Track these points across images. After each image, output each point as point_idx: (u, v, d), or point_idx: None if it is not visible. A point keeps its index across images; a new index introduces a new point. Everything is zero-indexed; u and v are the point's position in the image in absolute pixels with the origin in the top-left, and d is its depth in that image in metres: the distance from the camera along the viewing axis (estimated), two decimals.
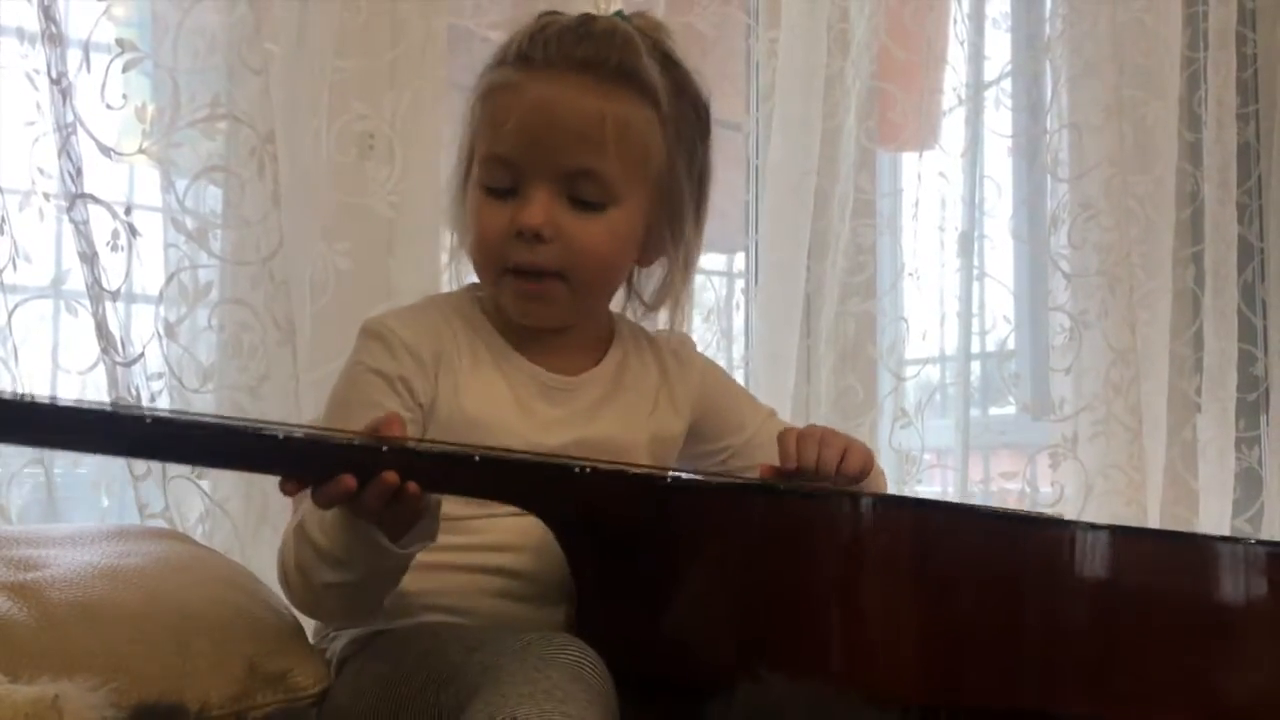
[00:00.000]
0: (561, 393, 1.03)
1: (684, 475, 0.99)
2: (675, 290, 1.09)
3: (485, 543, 0.97)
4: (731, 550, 0.89)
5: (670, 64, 1.03)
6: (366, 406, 0.95)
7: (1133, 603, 0.92)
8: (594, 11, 1.06)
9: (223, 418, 0.90)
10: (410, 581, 0.95)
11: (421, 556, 0.93)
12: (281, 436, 0.84)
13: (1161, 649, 0.92)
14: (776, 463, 1.00)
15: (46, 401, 0.87)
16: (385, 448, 0.84)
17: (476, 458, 0.87)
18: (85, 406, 0.85)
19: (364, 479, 0.83)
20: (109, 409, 0.87)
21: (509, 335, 1.04)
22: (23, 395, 0.84)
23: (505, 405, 1.01)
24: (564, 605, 0.96)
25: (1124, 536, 0.96)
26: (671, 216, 1.05)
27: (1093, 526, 0.93)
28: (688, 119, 1.04)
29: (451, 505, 0.94)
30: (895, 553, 0.88)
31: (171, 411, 0.92)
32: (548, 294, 1.00)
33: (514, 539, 0.97)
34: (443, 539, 0.93)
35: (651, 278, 1.10)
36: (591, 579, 0.91)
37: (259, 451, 0.85)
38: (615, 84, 0.98)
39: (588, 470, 0.90)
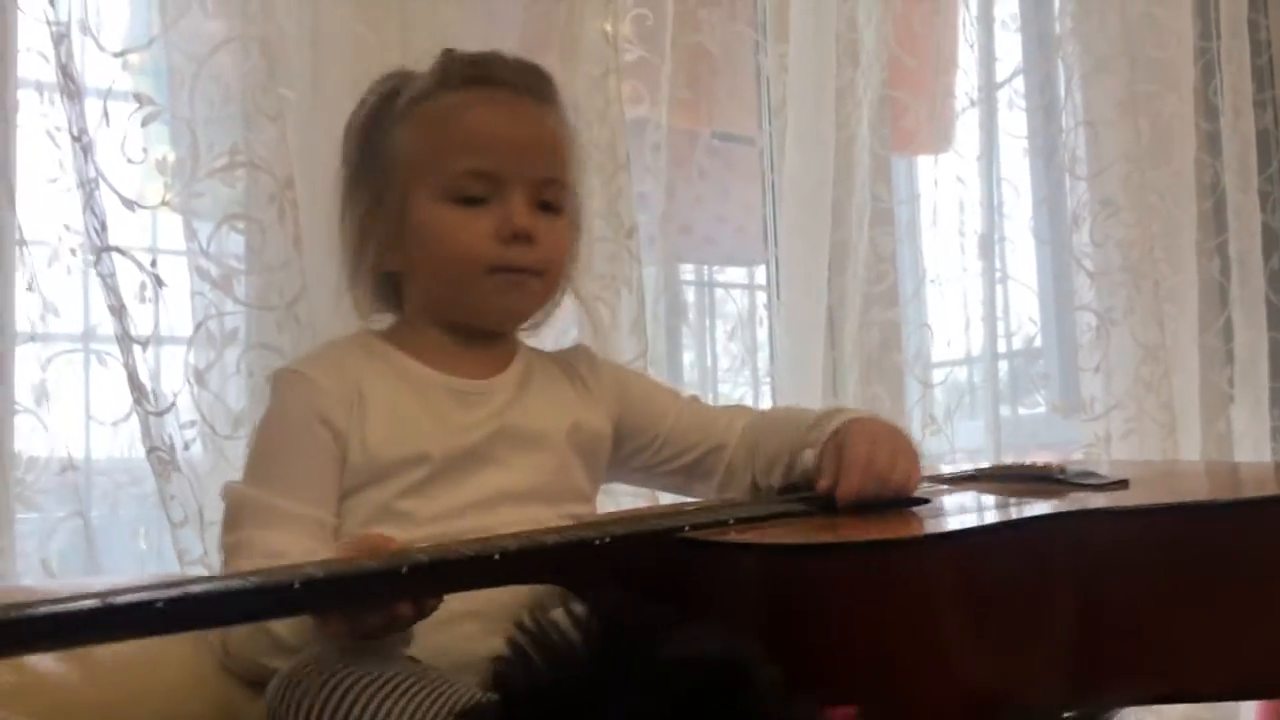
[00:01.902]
0: (475, 396, 1.06)
1: (702, 524, 0.95)
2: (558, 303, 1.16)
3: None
4: (751, 603, 0.87)
5: None
6: (293, 453, 0.99)
7: (1157, 574, 0.93)
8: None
9: (229, 578, 0.78)
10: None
11: None
12: (298, 584, 0.76)
13: (1192, 614, 0.93)
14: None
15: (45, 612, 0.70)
16: (405, 568, 0.80)
17: (496, 555, 0.83)
18: (80, 607, 0.70)
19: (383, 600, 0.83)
20: (114, 603, 0.71)
21: (416, 354, 1.07)
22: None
23: (416, 416, 1.03)
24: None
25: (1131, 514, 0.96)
26: (579, 226, 1.15)
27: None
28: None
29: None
30: (923, 589, 0.86)
31: (174, 584, 0.75)
32: (528, 286, 1.07)
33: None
34: None
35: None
36: None
37: (281, 601, 0.78)
38: (553, 106, 1.11)
39: (606, 540, 0.89)
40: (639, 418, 1.15)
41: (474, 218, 1.05)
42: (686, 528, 0.92)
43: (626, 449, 1.15)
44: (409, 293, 1.11)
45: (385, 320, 1.13)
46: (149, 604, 0.71)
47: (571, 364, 1.16)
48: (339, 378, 1.04)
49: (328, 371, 1.04)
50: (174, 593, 0.72)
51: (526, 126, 1.07)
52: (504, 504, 1.01)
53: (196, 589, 0.74)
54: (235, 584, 0.75)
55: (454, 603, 0.88)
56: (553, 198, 1.08)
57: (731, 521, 0.95)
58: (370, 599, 0.82)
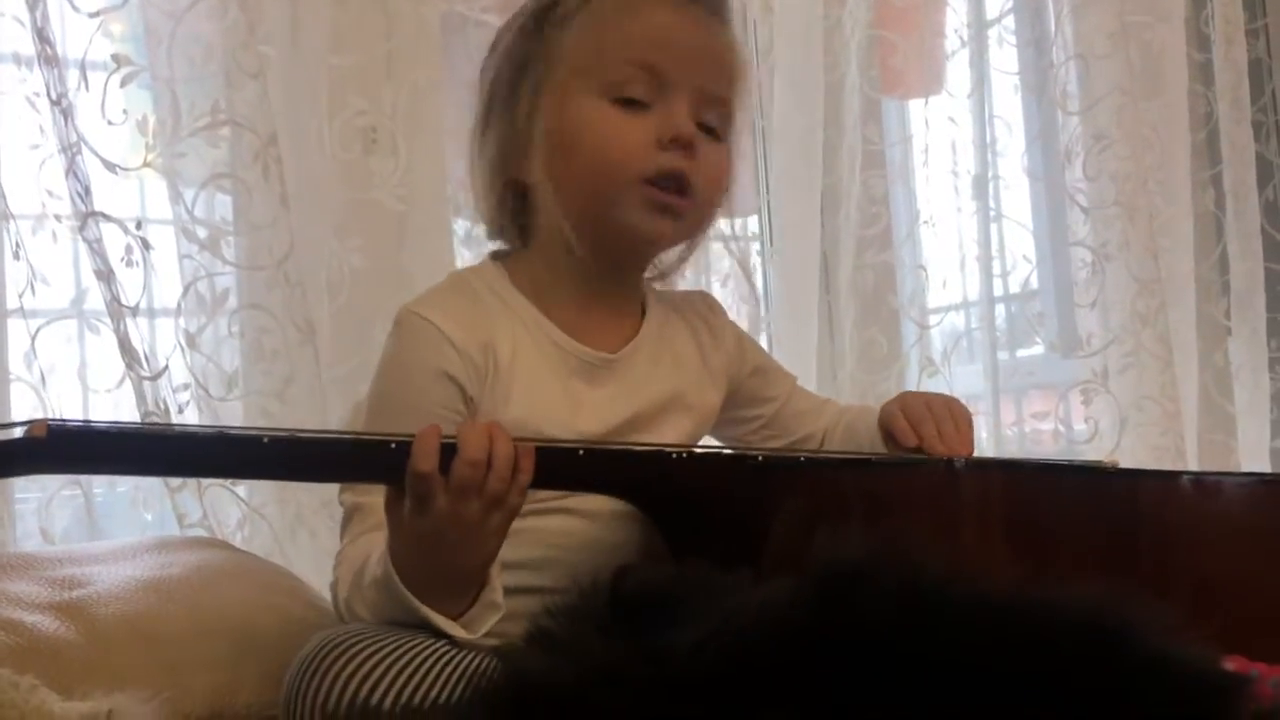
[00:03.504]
0: (603, 371, 1.02)
1: (774, 453, 1.02)
2: (688, 259, 1.11)
3: (521, 559, 0.95)
4: (829, 522, 0.90)
5: None
6: (417, 410, 0.93)
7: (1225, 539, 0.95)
8: None
9: (334, 433, 0.91)
10: None
11: None
12: (394, 445, 0.84)
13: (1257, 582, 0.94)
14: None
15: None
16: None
17: (580, 451, 0.89)
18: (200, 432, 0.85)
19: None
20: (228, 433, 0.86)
21: (546, 308, 1.02)
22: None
23: (548, 393, 0.99)
24: None
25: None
26: (734, 167, 1.07)
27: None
28: None
29: None
30: (990, 510, 0.90)
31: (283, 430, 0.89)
32: (679, 209, 0.99)
33: (548, 550, 0.96)
34: None
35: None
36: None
37: (375, 460, 0.85)
38: (729, 26, 1.04)
39: (683, 455, 0.92)
40: (749, 393, 1.13)
41: (634, 120, 0.97)
42: (760, 456, 0.96)
43: (727, 416, 1.12)
44: (545, 211, 1.02)
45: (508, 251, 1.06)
46: (257, 439, 0.83)
47: (698, 320, 1.11)
48: (470, 331, 0.97)
49: (459, 322, 0.97)
50: (281, 433, 0.85)
51: (703, 34, 1.00)
52: None
53: (305, 435, 0.87)
54: (338, 437, 0.87)
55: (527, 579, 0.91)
56: (716, 121, 1.00)
57: (803, 459, 1.00)
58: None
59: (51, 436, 0.76)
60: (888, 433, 1.06)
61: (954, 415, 1.03)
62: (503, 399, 0.96)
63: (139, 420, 1.24)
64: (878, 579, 0.71)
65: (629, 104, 0.98)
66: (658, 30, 0.99)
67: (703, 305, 1.13)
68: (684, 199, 0.98)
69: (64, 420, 0.79)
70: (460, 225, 1.48)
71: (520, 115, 1.00)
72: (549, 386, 0.99)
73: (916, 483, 0.96)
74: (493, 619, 0.88)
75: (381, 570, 0.87)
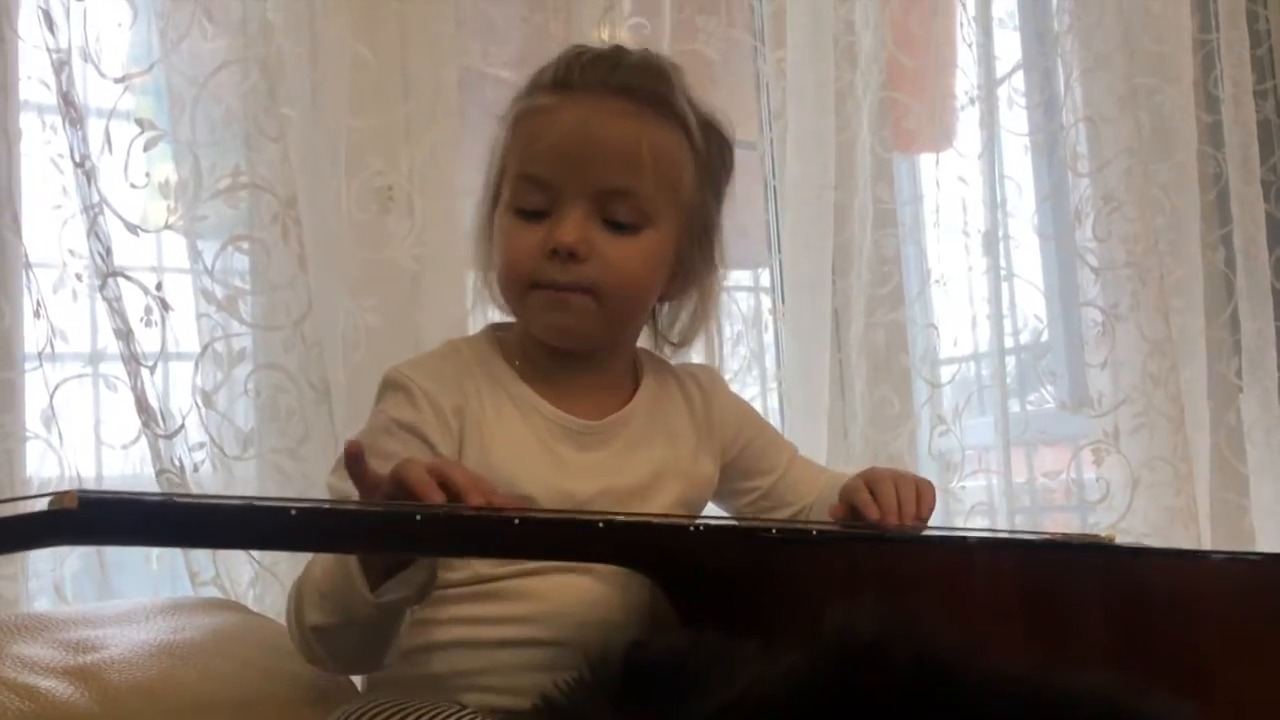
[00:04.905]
0: (589, 438, 1.03)
1: (789, 526, 1.00)
2: (705, 323, 1.11)
3: (523, 614, 0.96)
4: (841, 597, 0.90)
5: (695, 101, 1.05)
6: (387, 458, 0.93)
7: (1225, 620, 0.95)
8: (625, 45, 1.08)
9: (357, 505, 0.87)
10: (452, 660, 0.95)
11: (460, 632, 0.93)
12: (418, 517, 0.82)
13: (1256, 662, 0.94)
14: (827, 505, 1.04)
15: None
16: (517, 520, 0.83)
17: (600, 524, 0.87)
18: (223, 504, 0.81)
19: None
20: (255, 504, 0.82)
21: (532, 381, 1.04)
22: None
23: (532, 454, 1.00)
24: None
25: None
26: (703, 246, 1.06)
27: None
28: (715, 153, 1.06)
29: (482, 565, 0.95)
30: (1004, 591, 0.90)
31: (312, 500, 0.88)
32: (575, 305, 0.99)
33: (552, 606, 0.96)
34: (479, 610, 0.93)
35: (678, 315, 1.11)
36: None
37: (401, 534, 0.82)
38: (651, 109, 1.00)
39: (700, 527, 0.91)
40: (747, 465, 1.13)
41: (531, 231, 0.99)
42: (774, 529, 0.94)
43: (726, 488, 1.13)
44: None
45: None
46: (285, 510, 0.78)
47: (696, 391, 1.11)
48: (445, 393, 0.99)
49: (436, 383, 1.00)
50: (308, 504, 0.80)
51: (593, 131, 0.98)
52: None
53: (329, 507, 0.84)
54: (363, 508, 0.82)
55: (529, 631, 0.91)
56: (626, 215, 0.99)
57: (815, 533, 0.98)
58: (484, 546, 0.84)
59: (83, 508, 0.71)
60: (848, 504, 1.03)
61: (918, 489, 1.01)
62: (487, 450, 0.98)
63: (154, 477, 1.25)
64: (892, 654, 0.71)
65: (532, 214, 1.00)
66: (541, 143, 0.99)
67: (703, 376, 1.14)
68: (577, 295, 0.99)
69: (93, 491, 0.73)
70: (473, 283, 1.49)
71: (485, 219, 1.06)
72: (533, 450, 1.01)
73: (928, 558, 0.96)
74: (403, 596, 0.87)
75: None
